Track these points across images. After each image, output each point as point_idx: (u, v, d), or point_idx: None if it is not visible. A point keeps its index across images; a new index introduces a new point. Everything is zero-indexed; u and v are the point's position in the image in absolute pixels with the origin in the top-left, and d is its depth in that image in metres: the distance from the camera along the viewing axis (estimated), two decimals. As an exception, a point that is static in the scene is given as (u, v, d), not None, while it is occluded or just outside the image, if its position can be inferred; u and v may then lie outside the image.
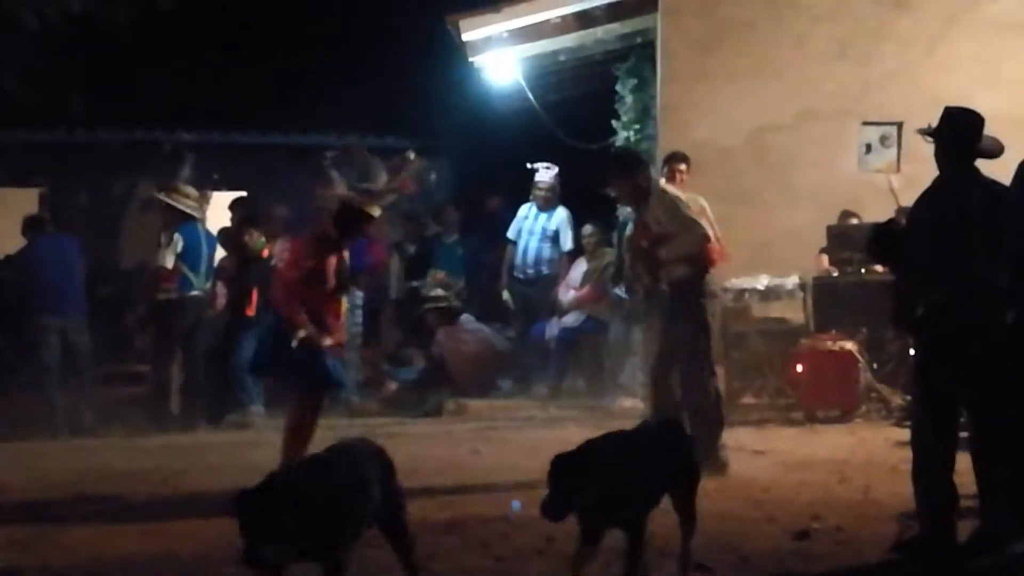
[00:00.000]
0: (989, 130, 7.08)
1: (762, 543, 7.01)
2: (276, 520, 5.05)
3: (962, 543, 6.56)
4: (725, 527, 7.30)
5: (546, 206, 14.46)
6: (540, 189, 14.58)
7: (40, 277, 12.71)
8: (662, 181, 13.60)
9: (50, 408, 12.43)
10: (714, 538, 7.02)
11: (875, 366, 11.58)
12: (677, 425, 6.97)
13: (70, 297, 12.73)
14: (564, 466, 5.69)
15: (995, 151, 6.93)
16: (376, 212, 9.57)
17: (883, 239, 7.22)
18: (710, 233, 9.37)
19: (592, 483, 5.65)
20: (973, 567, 6.37)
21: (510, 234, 14.55)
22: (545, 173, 14.60)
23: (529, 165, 14.83)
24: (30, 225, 13.35)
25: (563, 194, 14.70)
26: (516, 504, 6.71)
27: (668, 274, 9.38)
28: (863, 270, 11.98)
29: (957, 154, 6.82)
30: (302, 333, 8.82)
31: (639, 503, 6.01)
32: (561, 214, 14.56)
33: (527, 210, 14.64)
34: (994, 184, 6.77)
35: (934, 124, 7.00)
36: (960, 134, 6.85)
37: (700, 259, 9.26)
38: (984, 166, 6.96)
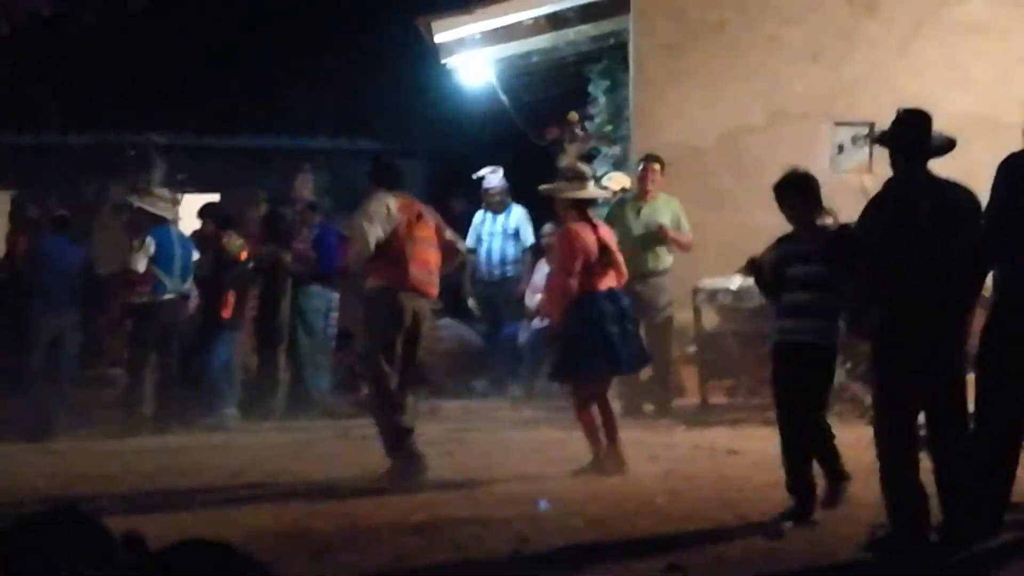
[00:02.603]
0: (961, 130, 7.12)
1: (735, 543, 7.01)
2: None
3: (932, 540, 6.59)
4: (697, 527, 7.32)
5: (500, 208, 14.50)
6: (492, 194, 14.64)
7: (43, 276, 12.68)
8: (612, 180, 13.67)
9: (27, 412, 12.38)
10: (686, 538, 7.04)
11: (848, 365, 11.59)
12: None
13: (68, 298, 12.66)
14: None
15: (946, 147, 6.94)
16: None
17: (836, 246, 7.25)
18: (369, 244, 9.27)
19: None
20: (944, 564, 6.39)
21: (468, 243, 14.54)
22: (492, 178, 14.69)
23: (474, 175, 14.88)
24: (56, 222, 13.36)
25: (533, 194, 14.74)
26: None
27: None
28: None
29: (910, 156, 6.84)
30: None
31: None
32: (518, 211, 14.58)
33: (482, 216, 14.69)
34: (947, 184, 6.80)
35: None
36: (912, 136, 6.85)
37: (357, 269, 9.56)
38: (948, 169, 6.98)
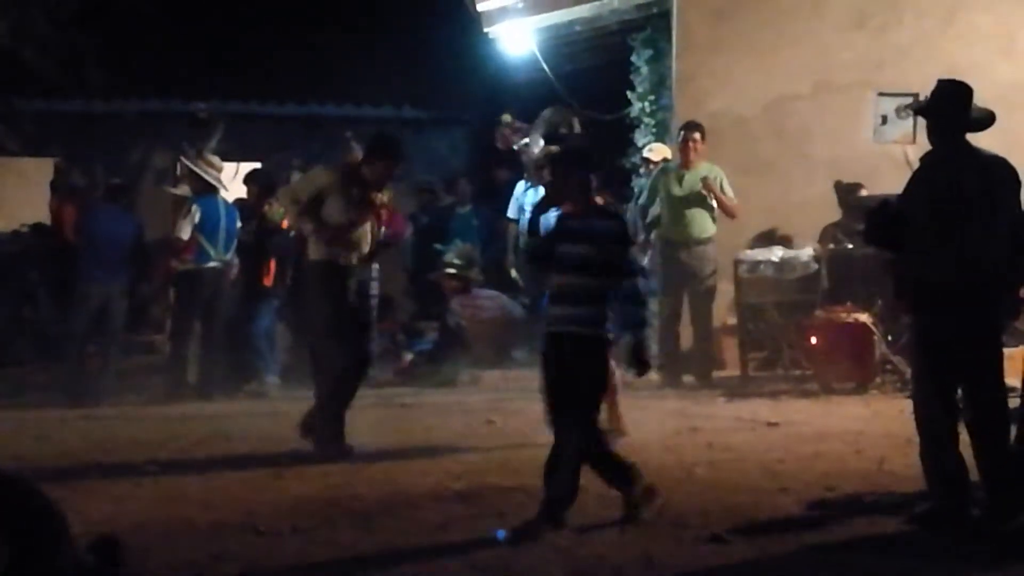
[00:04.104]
0: (1007, 99, 7.06)
1: (776, 514, 7.02)
2: None
3: (975, 515, 6.57)
4: (739, 498, 7.32)
5: (542, 179, 14.42)
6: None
7: (95, 245, 12.75)
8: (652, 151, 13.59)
9: (72, 378, 12.48)
10: (728, 509, 7.04)
11: (890, 338, 11.55)
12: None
13: (118, 266, 12.73)
14: None
15: (985, 122, 6.86)
16: None
17: (879, 221, 7.16)
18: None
19: None
20: (988, 537, 6.37)
21: (510, 213, 14.49)
22: (534, 148, 14.64)
23: (515, 146, 14.85)
24: (110, 191, 13.51)
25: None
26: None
27: None
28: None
29: (949, 129, 6.77)
30: None
31: None
32: None
33: (524, 186, 14.63)
34: (987, 157, 6.74)
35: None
36: (951, 108, 6.78)
37: None
38: (993, 138, 6.92)
